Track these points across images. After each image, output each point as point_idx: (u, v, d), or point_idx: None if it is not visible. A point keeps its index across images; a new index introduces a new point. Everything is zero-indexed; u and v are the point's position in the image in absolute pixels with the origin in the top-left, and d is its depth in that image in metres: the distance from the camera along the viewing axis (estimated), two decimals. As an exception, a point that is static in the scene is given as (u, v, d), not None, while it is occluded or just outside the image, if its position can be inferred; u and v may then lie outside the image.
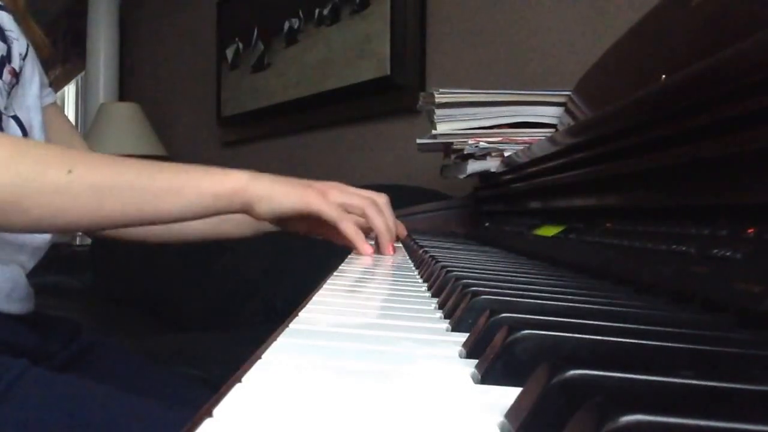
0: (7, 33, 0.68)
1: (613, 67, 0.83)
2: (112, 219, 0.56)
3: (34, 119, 0.72)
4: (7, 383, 0.53)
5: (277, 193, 0.61)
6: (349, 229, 0.63)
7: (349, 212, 0.65)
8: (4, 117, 0.66)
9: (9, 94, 0.68)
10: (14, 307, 0.68)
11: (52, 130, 0.78)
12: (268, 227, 0.79)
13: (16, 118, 0.69)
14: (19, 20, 0.73)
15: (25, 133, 0.69)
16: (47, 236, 0.75)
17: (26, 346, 0.65)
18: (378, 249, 0.67)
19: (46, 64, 0.78)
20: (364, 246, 0.64)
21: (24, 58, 0.71)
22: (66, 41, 3.80)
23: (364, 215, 0.66)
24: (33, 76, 0.73)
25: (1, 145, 0.52)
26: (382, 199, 0.68)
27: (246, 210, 0.61)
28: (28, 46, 0.73)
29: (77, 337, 0.77)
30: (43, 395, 0.54)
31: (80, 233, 2.42)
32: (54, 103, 0.82)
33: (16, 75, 0.69)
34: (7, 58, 0.67)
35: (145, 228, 0.81)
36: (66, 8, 3.71)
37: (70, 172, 0.52)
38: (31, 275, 0.73)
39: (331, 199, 0.63)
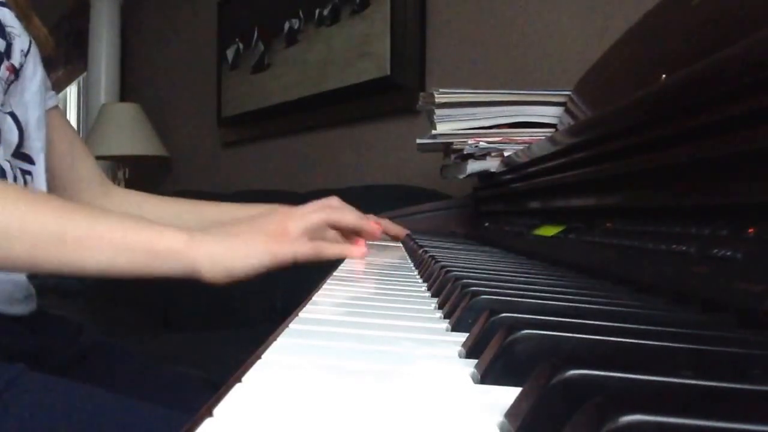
0: (8, 29, 0.68)
1: (613, 67, 0.83)
2: (21, 265, 0.51)
3: (31, 117, 0.72)
4: (4, 386, 0.53)
5: (234, 253, 0.54)
6: (331, 252, 0.60)
7: (316, 231, 0.61)
8: (0, 113, 0.66)
9: (6, 90, 0.68)
10: (15, 309, 0.67)
11: (54, 134, 0.78)
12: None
13: (12, 115, 0.68)
14: (21, 17, 0.73)
15: (20, 129, 0.69)
16: None
17: (27, 349, 0.65)
18: (365, 236, 0.67)
19: (49, 66, 0.78)
20: (351, 250, 0.63)
21: (26, 54, 0.71)
22: (68, 43, 3.81)
23: (330, 224, 0.64)
24: (35, 73, 0.73)
25: None
26: (334, 201, 0.67)
27: (193, 273, 0.53)
28: (30, 43, 0.73)
29: (78, 338, 0.76)
30: (40, 398, 0.54)
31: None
32: (56, 107, 0.82)
33: (16, 71, 0.69)
34: (6, 54, 0.67)
35: None
36: (69, 10, 3.72)
37: None
38: (31, 275, 0.72)
39: (293, 234, 0.58)
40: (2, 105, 0.67)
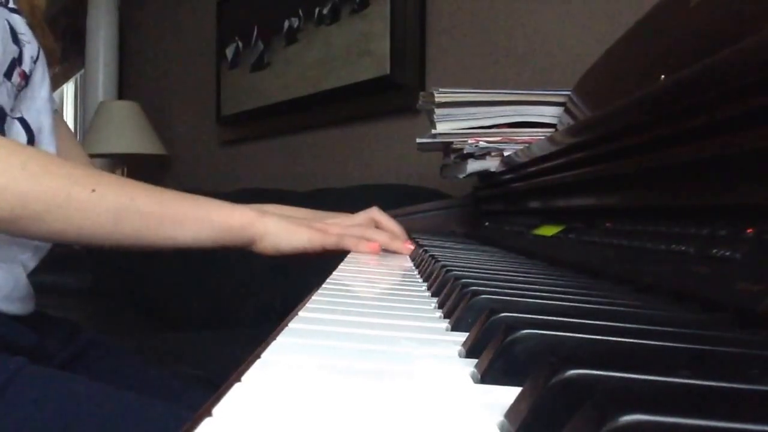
0: (20, 36, 0.69)
1: (613, 67, 0.83)
2: (127, 240, 0.58)
3: (44, 122, 0.72)
4: (5, 380, 0.53)
5: (281, 232, 0.64)
6: (352, 244, 0.66)
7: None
8: (8, 118, 0.66)
9: (17, 96, 0.68)
10: (14, 307, 0.67)
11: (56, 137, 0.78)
12: None
13: (22, 120, 0.69)
14: (34, 25, 0.74)
15: (31, 135, 0.69)
16: None
17: (25, 347, 0.65)
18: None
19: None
20: (366, 246, 0.67)
21: (35, 61, 0.72)
22: (65, 40, 3.81)
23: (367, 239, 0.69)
24: (43, 79, 0.74)
25: (33, 158, 0.54)
26: (373, 213, 0.73)
27: (250, 244, 0.64)
28: (39, 49, 0.73)
29: (77, 337, 0.76)
30: (40, 393, 0.54)
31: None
32: (56, 110, 0.82)
33: (26, 78, 0.70)
34: (18, 60, 0.68)
35: None
36: (65, 7, 3.71)
37: (93, 191, 0.55)
38: (31, 274, 0.72)
39: (331, 231, 0.67)
40: (12, 110, 0.67)
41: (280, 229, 0.64)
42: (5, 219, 0.53)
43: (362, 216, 0.73)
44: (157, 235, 0.59)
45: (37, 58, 0.72)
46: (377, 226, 0.73)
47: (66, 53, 3.84)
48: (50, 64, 0.77)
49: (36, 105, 0.72)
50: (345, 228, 0.68)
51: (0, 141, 0.55)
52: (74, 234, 0.56)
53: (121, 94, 3.15)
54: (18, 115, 0.68)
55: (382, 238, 0.69)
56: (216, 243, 0.62)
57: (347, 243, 0.66)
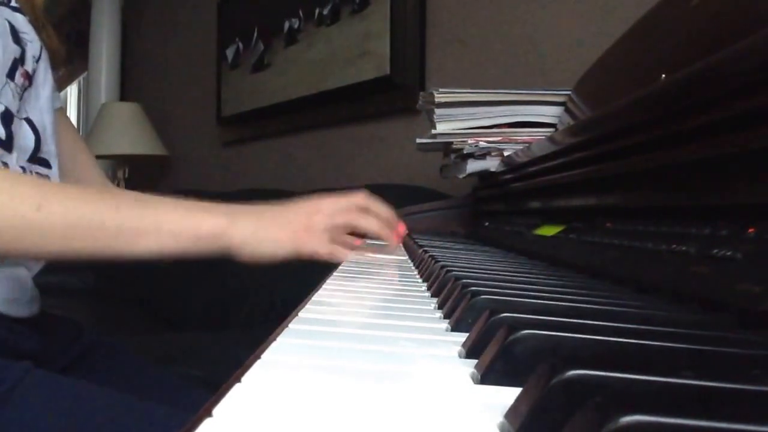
0: (21, 35, 0.68)
1: (613, 66, 0.83)
2: (81, 256, 0.55)
3: (46, 121, 0.72)
4: (10, 385, 0.53)
5: (260, 238, 0.59)
6: (343, 257, 0.62)
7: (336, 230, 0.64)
8: (16, 119, 0.66)
9: (21, 96, 0.68)
10: (20, 311, 0.67)
11: (58, 134, 0.78)
12: None
13: (28, 121, 0.68)
14: (37, 26, 0.73)
15: (37, 135, 0.69)
16: None
17: (30, 349, 0.65)
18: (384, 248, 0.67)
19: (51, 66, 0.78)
20: (345, 254, 0.63)
21: (38, 60, 0.71)
22: (70, 43, 3.81)
23: (353, 228, 0.65)
24: (46, 78, 0.73)
25: None
26: (360, 199, 0.66)
27: (228, 254, 0.59)
28: (41, 48, 0.73)
29: (79, 338, 0.76)
30: (45, 397, 0.54)
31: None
32: (60, 108, 0.82)
33: (29, 77, 0.69)
34: (21, 60, 0.67)
35: None
36: (70, 10, 3.72)
37: (39, 208, 0.51)
38: (34, 276, 0.72)
39: (317, 229, 0.61)
40: (18, 111, 0.67)
41: (257, 238, 0.59)
42: None
43: (347, 199, 0.66)
44: (112, 249, 0.55)
45: (40, 57, 0.72)
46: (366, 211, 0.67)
47: (70, 56, 3.85)
48: (55, 64, 0.77)
49: (39, 104, 0.71)
50: (333, 219, 0.63)
51: None
52: (25, 252, 0.54)
53: (123, 95, 3.16)
54: (24, 116, 0.68)
55: (371, 225, 0.65)
56: (186, 253, 0.57)
57: (340, 257, 0.62)
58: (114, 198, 0.57)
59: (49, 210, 0.52)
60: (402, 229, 0.69)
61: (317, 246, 0.61)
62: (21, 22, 0.69)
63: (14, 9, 0.69)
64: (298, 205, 0.64)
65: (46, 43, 0.74)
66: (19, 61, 0.67)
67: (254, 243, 0.59)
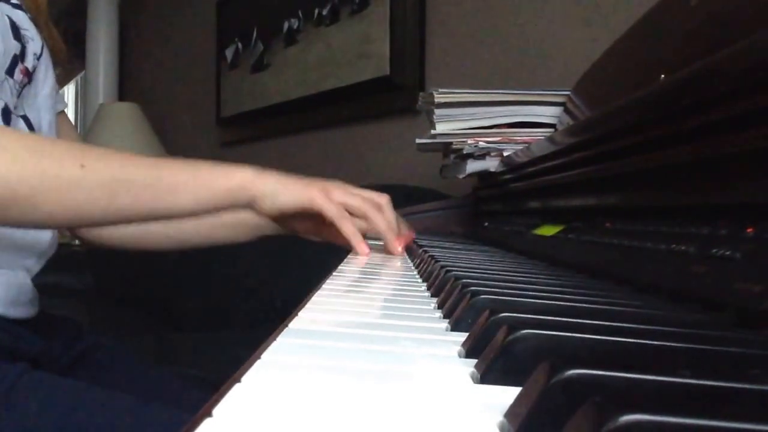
0: (23, 32, 0.68)
1: (613, 66, 0.83)
2: (124, 214, 0.57)
3: (43, 119, 0.72)
4: (8, 386, 0.53)
5: (281, 189, 0.63)
6: (348, 229, 0.64)
7: (350, 213, 0.65)
8: (13, 116, 0.66)
9: (20, 93, 0.68)
10: (19, 312, 0.67)
11: (59, 137, 0.78)
12: (265, 231, 0.79)
13: (25, 118, 0.68)
14: (39, 24, 0.73)
15: (33, 132, 0.69)
16: (54, 240, 0.75)
17: (30, 351, 0.65)
18: (385, 249, 0.67)
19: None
20: (361, 245, 0.64)
21: (38, 58, 0.71)
22: (66, 42, 3.81)
23: (365, 216, 0.66)
24: (46, 77, 0.73)
25: (19, 141, 0.52)
26: (383, 199, 0.68)
27: (250, 205, 0.63)
28: (43, 46, 0.72)
29: (79, 338, 0.76)
30: (43, 398, 0.54)
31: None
32: (63, 111, 0.82)
33: (29, 75, 0.69)
34: (21, 57, 0.67)
35: (141, 235, 0.81)
36: (65, 8, 3.71)
37: (83, 167, 0.52)
38: (35, 278, 0.72)
39: (333, 197, 0.64)
40: (15, 108, 0.67)
41: (279, 186, 0.63)
42: None
43: (369, 193, 0.69)
44: (155, 205, 0.57)
45: (41, 55, 0.72)
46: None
47: (67, 55, 3.84)
48: (57, 63, 0.77)
49: (38, 102, 0.71)
50: (349, 197, 0.66)
51: None
52: (70, 214, 0.54)
53: (122, 95, 3.15)
54: (21, 113, 0.68)
55: (379, 222, 0.66)
56: (216, 206, 0.61)
57: (344, 227, 0.64)
58: (149, 158, 0.60)
59: (92, 168, 0.53)
60: (409, 238, 0.70)
61: (327, 203, 0.63)
62: (22, 18, 0.69)
63: (15, 6, 0.69)
64: (319, 179, 0.67)
65: (48, 41, 0.74)
66: (19, 58, 0.67)
67: (274, 193, 0.63)
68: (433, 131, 1.03)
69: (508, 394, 0.18)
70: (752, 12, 0.47)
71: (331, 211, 0.63)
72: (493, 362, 0.21)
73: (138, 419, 0.56)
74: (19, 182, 0.50)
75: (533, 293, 0.34)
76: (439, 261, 0.49)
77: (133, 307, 2.04)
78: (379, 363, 0.23)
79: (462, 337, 0.26)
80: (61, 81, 0.78)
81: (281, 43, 2.12)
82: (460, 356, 0.25)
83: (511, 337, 0.21)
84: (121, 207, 0.55)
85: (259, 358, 0.22)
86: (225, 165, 0.63)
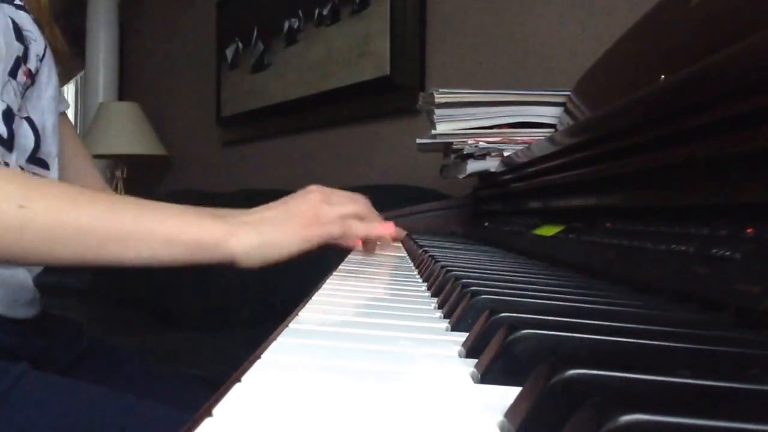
0: (25, 33, 0.68)
1: (613, 67, 0.83)
2: (64, 261, 0.51)
3: (47, 121, 0.72)
4: (8, 386, 0.53)
5: (271, 240, 0.55)
6: (352, 242, 0.61)
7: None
8: (17, 118, 0.66)
9: (23, 95, 0.67)
10: (20, 312, 0.67)
11: (60, 139, 0.78)
12: None
13: (29, 120, 0.68)
14: (42, 25, 0.73)
15: (37, 135, 0.69)
16: None
17: (30, 351, 0.65)
18: (379, 243, 0.68)
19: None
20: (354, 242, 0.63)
21: (41, 59, 0.71)
22: (66, 41, 3.81)
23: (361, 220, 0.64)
24: (50, 78, 0.73)
25: None
26: (361, 203, 0.64)
27: (231, 263, 0.55)
28: (45, 47, 0.72)
29: (79, 338, 0.76)
30: (43, 398, 0.54)
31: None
32: (64, 113, 0.82)
33: (32, 76, 0.69)
34: (23, 58, 0.67)
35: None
36: (65, 8, 3.71)
37: (21, 207, 0.47)
38: (37, 278, 0.72)
39: (324, 218, 0.58)
40: (19, 110, 0.66)
41: (262, 241, 0.54)
42: None
43: (348, 198, 0.63)
44: (99, 256, 0.50)
45: (44, 56, 0.71)
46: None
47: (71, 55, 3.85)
48: (59, 62, 0.77)
49: (41, 104, 0.71)
50: (339, 208, 0.59)
51: None
52: (8, 255, 0.48)
53: (122, 95, 3.15)
54: (25, 115, 0.68)
55: (361, 229, 0.61)
56: (182, 262, 0.54)
57: (345, 237, 0.59)
58: (106, 201, 0.53)
59: (31, 209, 0.47)
60: (389, 230, 0.65)
61: (330, 229, 0.57)
62: (25, 20, 0.69)
63: (18, 7, 0.69)
64: (300, 199, 0.60)
65: (50, 42, 0.74)
66: (21, 59, 0.67)
67: (260, 250, 0.55)
68: (433, 131, 1.03)
69: (509, 394, 0.18)
70: (752, 12, 0.47)
71: (335, 234, 0.58)
72: (493, 362, 0.21)
73: (139, 418, 0.56)
74: None
75: (533, 293, 0.34)
76: (440, 261, 0.49)
77: (133, 307, 2.04)
78: (380, 363, 0.23)
79: (462, 337, 0.26)
80: (61, 80, 0.78)
81: (281, 43, 2.12)
82: (460, 356, 0.25)
83: (511, 337, 0.21)
84: (61, 256, 0.49)
85: (259, 358, 0.22)
86: (199, 218, 0.54)
